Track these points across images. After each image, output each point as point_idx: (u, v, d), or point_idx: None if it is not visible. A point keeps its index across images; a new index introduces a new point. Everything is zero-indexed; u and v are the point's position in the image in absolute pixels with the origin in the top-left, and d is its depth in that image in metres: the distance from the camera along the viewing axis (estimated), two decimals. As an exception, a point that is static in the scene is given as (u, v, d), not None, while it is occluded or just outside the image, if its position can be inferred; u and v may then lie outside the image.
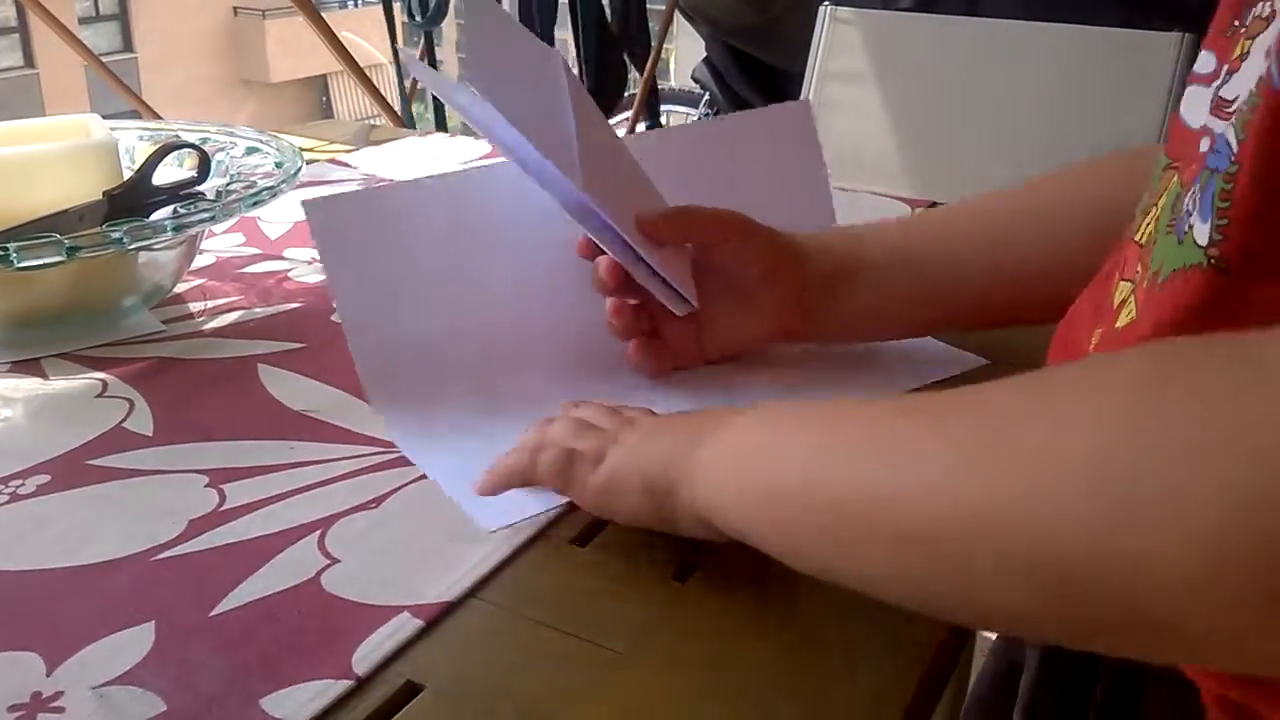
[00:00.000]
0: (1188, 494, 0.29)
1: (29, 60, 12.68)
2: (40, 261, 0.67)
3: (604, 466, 0.52)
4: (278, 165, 0.83)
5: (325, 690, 0.44)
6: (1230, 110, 0.43)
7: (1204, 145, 0.44)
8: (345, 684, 0.45)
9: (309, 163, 1.18)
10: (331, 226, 0.65)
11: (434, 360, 0.67)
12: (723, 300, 0.67)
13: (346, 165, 1.21)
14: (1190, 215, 0.42)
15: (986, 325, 0.70)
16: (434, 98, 2.49)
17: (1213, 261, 0.41)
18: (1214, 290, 0.41)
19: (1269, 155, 0.38)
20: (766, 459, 0.46)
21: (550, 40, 2.31)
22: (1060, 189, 0.68)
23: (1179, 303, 0.42)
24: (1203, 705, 0.47)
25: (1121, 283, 0.50)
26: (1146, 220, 0.50)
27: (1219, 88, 0.45)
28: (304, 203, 0.64)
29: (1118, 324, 0.49)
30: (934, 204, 1.03)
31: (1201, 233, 0.41)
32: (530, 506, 0.56)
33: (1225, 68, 0.45)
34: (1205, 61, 0.49)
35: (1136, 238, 0.50)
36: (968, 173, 1.42)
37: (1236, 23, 0.47)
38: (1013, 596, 0.34)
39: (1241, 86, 0.42)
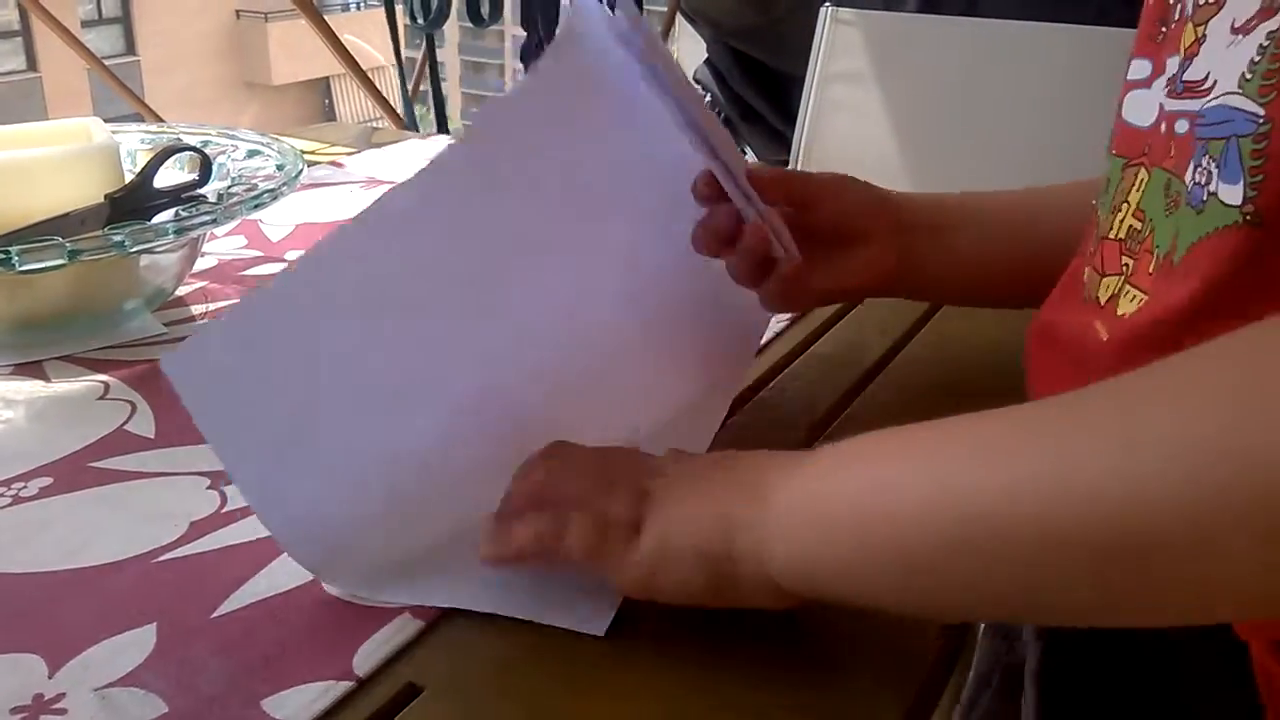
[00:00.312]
0: None
1: (32, 64, 12.70)
2: (42, 264, 0.67)
3: (646, 538, 0.46)
4: (279, 168, 0.83)
5: (327, 691, 0.45)
6: (1206, 88, 0.46)
7: (1181, 127, 0.48)
8: (346, 685, 0.45)
9: (310, 165, 1.18)
10: (198, 385, 0.47)
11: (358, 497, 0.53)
12: (824, 249, 0.66)
13: (347, 168, 1.21)
14: (1205, 186, 0.45)
15: None
16: (435, 100, 2.49)
17: (1248, 218, 0.43)
18: (1253, 244, 0.43)
19: None
20: (868, 491, 0.41)
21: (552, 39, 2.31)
22: None
23: (1214, 265, 0.45)
24: (1248, 663, 0.48)
25: (1106, 278, 0.53)
26: (1120, 216, 0.53)
27: (1178, 75, 0.49)
28: (163, 363, 0.46)
29: (1120, 312, 0.51)
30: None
31: (1232, 194, 0.44)
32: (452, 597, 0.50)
33: (1177, 59, 0.49)
34: (1139, 69, 0.54)
35: (1112, 234, 0.53)
36: (969, 173, 1.41)
37: (1164, 27, 0.52)
38: (1251, 586, 0.32)
39: (1214, 65, 0.46)
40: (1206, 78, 0.46)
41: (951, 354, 0.76)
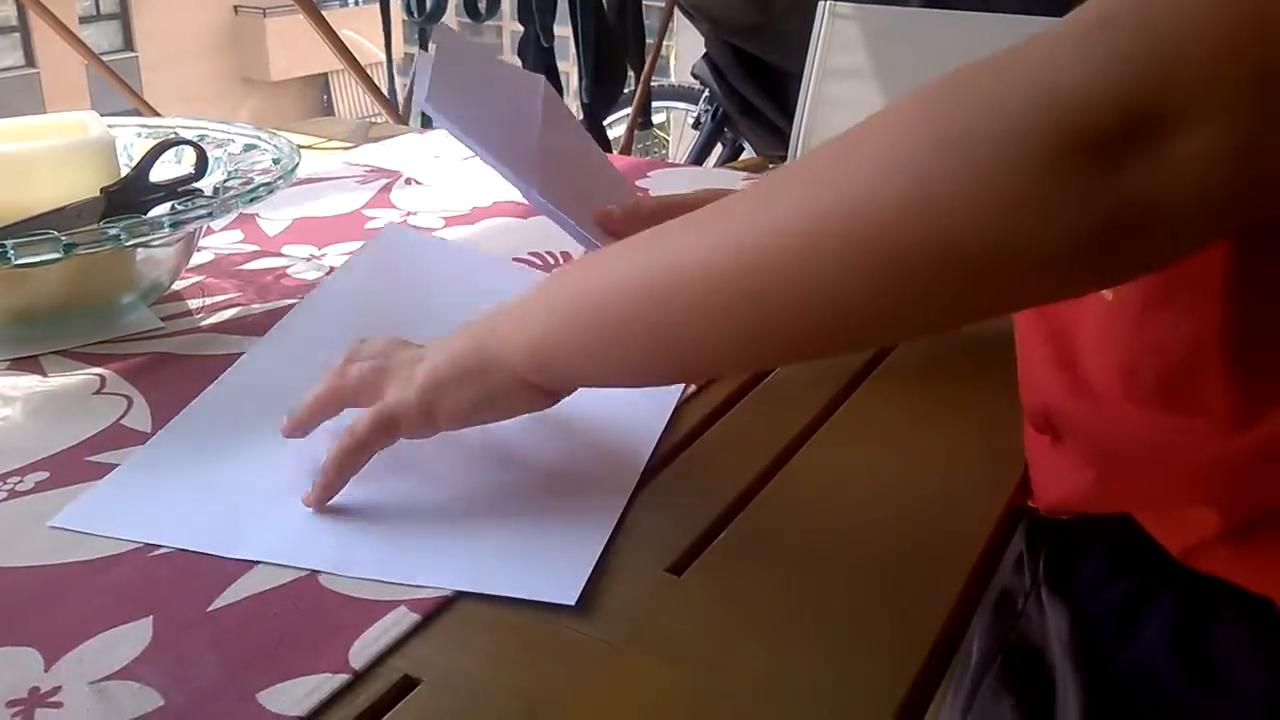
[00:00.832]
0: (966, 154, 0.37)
1: (30, 59, 12.67)
2: (38, 258, 0.67)
3: (419, 374, 0.54)
4: (275, 162, 0.83)
5: (322, 684, 0.44)
6: None
7: None
8: (342, 678, 0.45)
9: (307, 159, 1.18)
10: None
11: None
12: None
13: (344, 162, 1.21)
14: None
15: None
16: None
17: None
18: None
19: None
20: (582, 279, 0.52)
21: (549, 36, 2.30)
22: None
23: None
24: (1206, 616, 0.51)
25: None
26: None
27: None
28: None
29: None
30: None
31: None
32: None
33: None
34: None
35: None
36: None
37: None
38: (852, 289, 0.41)
39: None
40: None
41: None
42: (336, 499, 0.56)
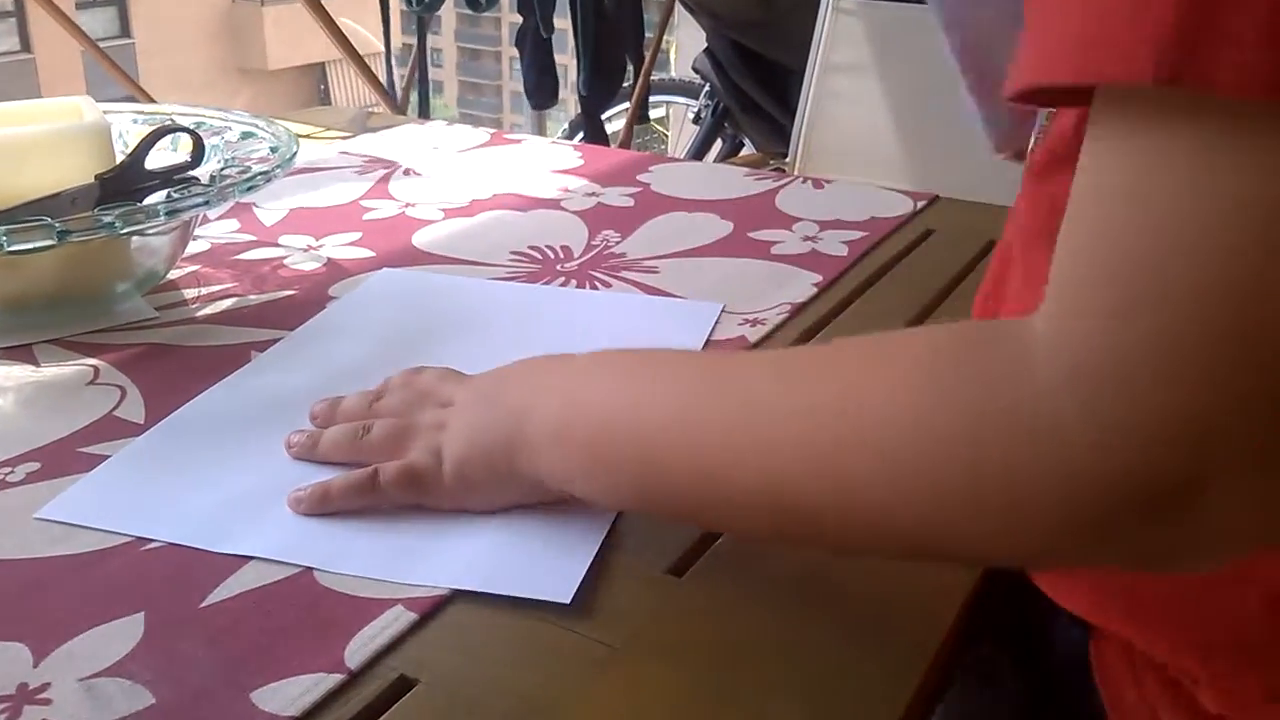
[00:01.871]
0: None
1: (25, 45, 12.63)
2: (31, 245, 0.66)
3: (447, 467, 0.54)
4: (273, 150, 0.82)
5: (317, 684, 0.44)
6: None
7: None
8: (337, 677, 0.44)
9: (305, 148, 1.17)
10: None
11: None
12: None
13: (343, 152, 1.20)
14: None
15: None
16: (420, 86, 2.48)
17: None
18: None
19: None
20: (581, 408, 0.52)
21: (549, 27, 2.29)
22: None
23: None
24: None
25: None
26: None
27: None
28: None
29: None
30: (936, 197, 1.02)
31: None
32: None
33: None
34: None
35: None
36: (970, 164, 1.41)
37: None
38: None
39: None
40: None
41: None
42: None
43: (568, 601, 0.48)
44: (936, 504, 0.38)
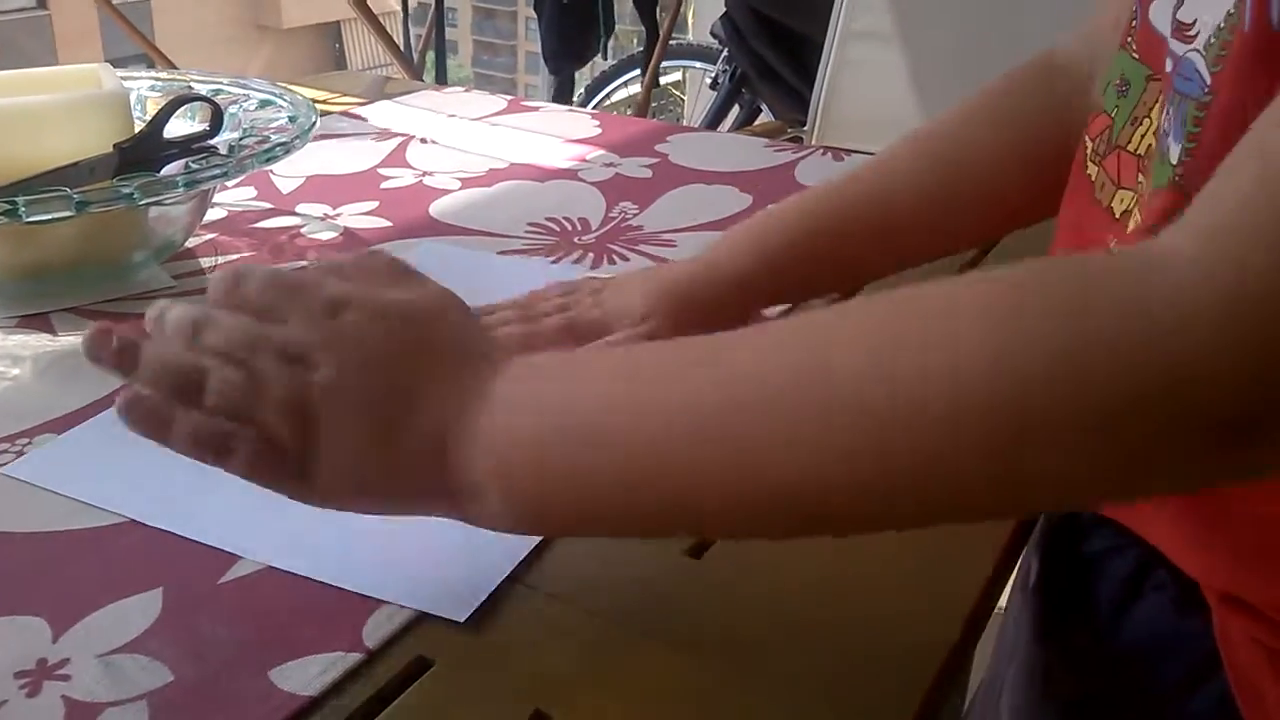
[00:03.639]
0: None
1: (41, 1, 12.58)
2: (49, 216, 0.66)
3: (319, 487, 0.42)
4: (291, 120, 0.81)
5: (336, 663, 0.44)
6: (1191, 34, 0.44)
7: (1168, 65, 0.46)
8: (356, 657, 0.44)
9: (322, 115, 1.16)
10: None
11: None
12: None
13: (359, 119, 1.20)
14: (1168, 135, 0.45)
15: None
16: (438, 49, 2.47)
17: (1178, 179, 0.43)
18: (1176, 207, 0.42)
19: (1244, 91, 0.40)
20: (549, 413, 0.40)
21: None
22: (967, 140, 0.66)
23: (1157, 216, 0.44)
24: (1203, 600, 0.48)
25: (1121, 191, 0.51)
26: (1140, 130, 0.51)
27: (1174, 10, 0.46)
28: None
29: (1129, 230, 0.50)
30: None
31: (1174, 152, 0.43)
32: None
33: None
34: None
35: (1131, 147, 0.51)
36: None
37: None
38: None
39: (1201, 12, 0.44)
40: (1193, 24, 0.45)
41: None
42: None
43: (462, 620, 0.46)
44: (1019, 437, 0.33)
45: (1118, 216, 0.51)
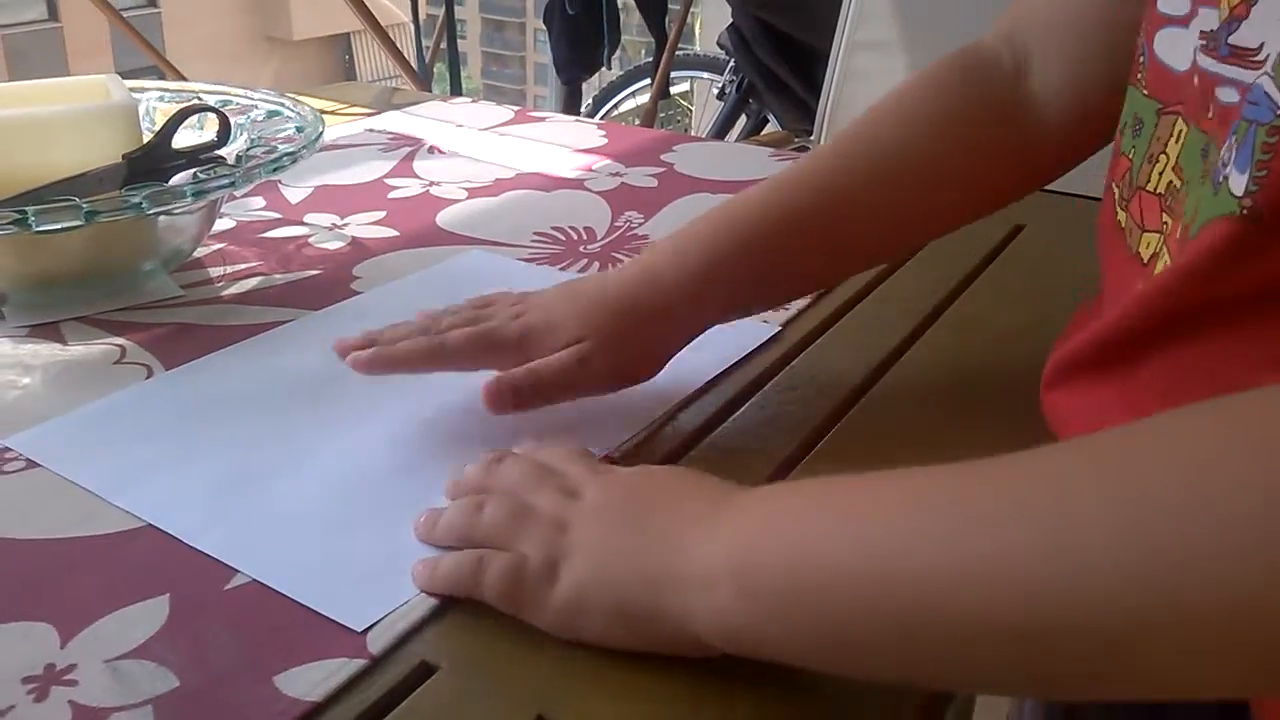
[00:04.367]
0: None
1: (53, 13, 12.65)
2: (59, 225, 0.67)
3: (563, 587, 0.45)
4: (299, 130, 0.82)
5: (339, 669, 0.44)
6: (1259, 59, 0.42)
7: (1228, 96, 0.44)
8: (359, 663, 0.44)
9: (329, 125, 1.17)
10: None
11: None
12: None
13: (368, 129, 1.20)
14: (1226, 166, 0.43)
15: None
16: (451, 62, 2.48)
17: (1245, 211, 0.41)
18: (1244, 239, 0.42)
19: None
20: (793, 562, 0.40)
21: (575, 2, 2.29)
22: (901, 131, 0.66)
23: (1208, 252, 0.43)
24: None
25: (1146, 234, 0.50)
26: (1158, 168, 0.50)
27: (1221, 35, 0.44)
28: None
29: (1157, 272, 0.49)
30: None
31: (1238, 183, 0.42)
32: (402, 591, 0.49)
33: (1216, 14, 0.45)
34: (1175, 4, 0.49)
35: (1150, 187, 0.50)
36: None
37: None
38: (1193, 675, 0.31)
39: (1266, 34, 0.42)
40: (1260, 49, 0.42)
41: (966, 342, 0.74)
42: (211, 470, 0.57)
43: (359, 630, 0.46)
44: None
45: (1145, 261, 0.50)
